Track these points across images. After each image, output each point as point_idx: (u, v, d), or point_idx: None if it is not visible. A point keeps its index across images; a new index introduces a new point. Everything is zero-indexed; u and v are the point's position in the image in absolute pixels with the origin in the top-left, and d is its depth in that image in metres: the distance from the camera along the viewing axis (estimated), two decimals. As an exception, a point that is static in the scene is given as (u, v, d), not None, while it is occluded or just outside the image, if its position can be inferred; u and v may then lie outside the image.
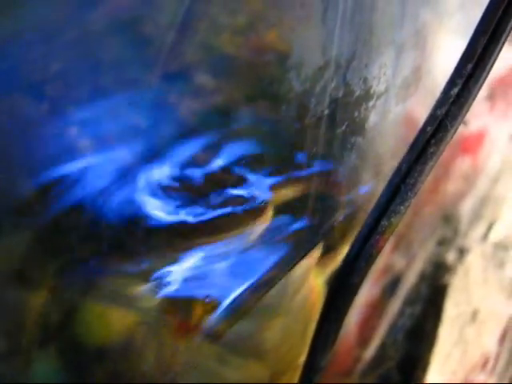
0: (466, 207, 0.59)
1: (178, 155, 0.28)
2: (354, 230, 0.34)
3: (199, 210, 0.29)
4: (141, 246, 0.28)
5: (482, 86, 0.29)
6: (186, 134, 0.28)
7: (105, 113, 0.26)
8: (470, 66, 0.28)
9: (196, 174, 0.29)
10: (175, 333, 0.31)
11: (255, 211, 0.30)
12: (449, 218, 0.58)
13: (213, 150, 0.29)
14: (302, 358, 0.37)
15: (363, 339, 0.53)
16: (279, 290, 0.33)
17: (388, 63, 0.31)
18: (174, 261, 0.30)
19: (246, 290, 0.31)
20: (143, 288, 0.30)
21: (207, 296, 0.31)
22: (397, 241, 0.50)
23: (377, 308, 0.53)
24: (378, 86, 0.31)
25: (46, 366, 0.28)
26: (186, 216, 0.29)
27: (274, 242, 0.31)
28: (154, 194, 0.28)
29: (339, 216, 0.33)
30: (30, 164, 0.24)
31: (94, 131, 0.26)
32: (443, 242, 0.57)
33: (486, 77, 0.29)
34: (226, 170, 0.29)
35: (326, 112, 0.28)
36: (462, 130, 0.49)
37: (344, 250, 0.34)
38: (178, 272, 0.31)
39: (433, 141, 0.30)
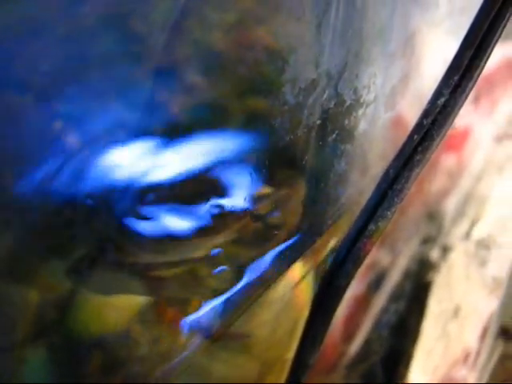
0: (450, 205, 0.60)
1: (167, 153, 0.28)
2: (340, 228, 0.35)
3: (186, 213, 0.29)
4: (131, 245, 0.28)
5: (467, 96, 0.30)
6: (175, 131, 0.28)
7: (94, 109, 0.25)
8: (456, 78, 0.29)
9: (183, 174, 0.29)
10: (170, 327, 0.31)
11: (241, 215, 0.30)
12: (433, 216, 0.59)
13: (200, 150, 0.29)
14: (290, 353, 0.37)
15: (348, 334, 0.53)
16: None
17: (377, 73, 0.31)
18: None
19: (242, 289, 0.31)
20: (138, 283, 0.30)
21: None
22: (382, 238, 0.51)
23: (362, 304, 0.54)
24: (367, 95, 0.31)
25: (39, 362, 0.28)
26: (173, 219, 0.29)
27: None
28: (142, 194, 0.28)
29: (330, 219, 0.33)
30: (17, 160, 0.24)
31: (83, 127, 0.25)
32: (427, 240, 0.58)
33: (472, 87, 0.30)
34: (212, 171, 0.29)
35: (318, 122, 0.28)
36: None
37: (328, 246, 0.35)
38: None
39: (419, 149, 0.30)
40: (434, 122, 0.30)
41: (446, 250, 0.58)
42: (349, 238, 0.33)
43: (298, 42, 0.26)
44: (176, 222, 0.29)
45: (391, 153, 0.35)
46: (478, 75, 0.29)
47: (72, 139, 0.25)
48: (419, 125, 0.30)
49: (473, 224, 0.60)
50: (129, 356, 0.30)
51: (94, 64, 0.25)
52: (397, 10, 0.32)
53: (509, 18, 0.29)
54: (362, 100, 0.31)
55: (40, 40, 0.24)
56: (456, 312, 0.59)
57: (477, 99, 0.61)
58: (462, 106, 0.30)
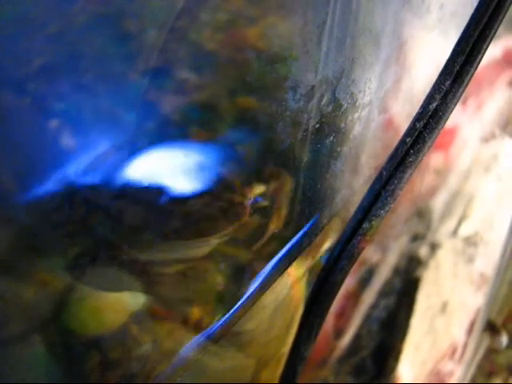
0: (438, 203, 0.61)
1: (160, 151, 0.28)
2: (334, 227, 0.36)
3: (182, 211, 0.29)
4: (129, 243, 0.28)
5: (458, 100, 0.31)
6: (167, 129, 0.28)
7: (87, 108, 0.25)
8: (448, 83, 0.30)
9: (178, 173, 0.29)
10: (170, 328, 0.32)
11: (235, 214, 0.31)
12: (422, 214, 0.60)
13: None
14: (286, 348, 0.38)
15: (339, 330, 0.54)
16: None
17: (372, 78, 0.32)
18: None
19: (242, 291, 0.32)
20: (133, 282, 0.31)
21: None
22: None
23: (353, 300, 0.55)
24: (362, 99, 0.32)
25: (37, 359, 0.28)
26: (171, 217, 0.29)
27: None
28: (137, 191, 0.28)
29: (325, 218, 0.34)
30: (12, 158, 0.24)
31: (76, 126, 0.25)
32: (416, 237, 0.59)
33: (463, 92, 0.31)
34: (207, 170, 0.29)
35: (317, 126, 0.29)
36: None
37: (323, 244, 0.36)
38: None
39: (411, 151, 0.32)
40: (425, 126, 0.31)
41: (434, 247, 0.59)
42: (344, 236, 0.34)
43: (301, 51, 0.27)
44: (172, 220, 0.29)
45: (382, 153, 0.36)
46: (469, 81, 0.31)
47: (66, 138, 0.26)
48: (412, 128, 0.31)
49: (460, 222, 0.61)
50: (128, 355, 0.30)
51: (87, 63, 0.26)
52: (390, 18, 0.33)
53: (498, 26, 0.30)
54: (357, 104, 0.32)
55: (33, 39, 0.24)
56: (444, 307, 0.60)
57: (464, 100, 0.61)
58: (452, 110, 0.31)
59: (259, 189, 0.31)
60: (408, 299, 0.58)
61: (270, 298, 0.35)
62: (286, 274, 0.34)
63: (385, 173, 0.32)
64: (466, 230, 0.61)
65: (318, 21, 0.27)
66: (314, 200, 0.33)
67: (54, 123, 0.26)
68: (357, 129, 0.33)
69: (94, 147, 0.26)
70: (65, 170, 0.26)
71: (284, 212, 0.32)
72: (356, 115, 0.32)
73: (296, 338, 0.37)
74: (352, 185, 0.36)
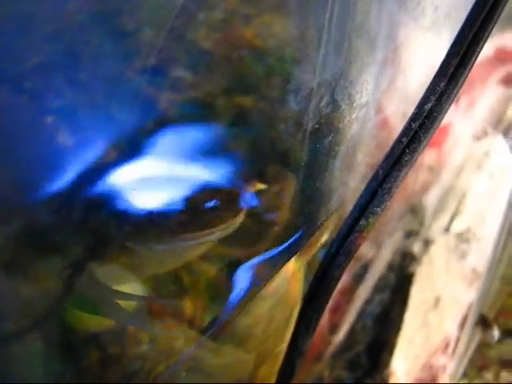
0: (431, 200, 0.61)
1: (157, 149, 0.29)
2: (331, 225, 0.36)
3: (182, 205, 0.30)
4: (127, 240, 0.29)
5: (453, 101, 0.32)
6: (164, 127, 0.28)
7: (84, 105, 0.26)
8: (442, 84, 0.31)
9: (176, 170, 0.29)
10: (168, 326, 0.32)
11: (237, 204, 0.31)
12: (415, 210, 0.60)
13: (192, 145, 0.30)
14: (284, 344, 0.38)
15: (334, 325, 0.54)
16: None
17: (369, 79, 0.33)
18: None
19: (238, 288, 0.33)
20: (132, 281, 0.31)
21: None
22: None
23: (347, 295, 0.55)
24: (360, 100, 0.33)
25: (36, 356, 0.28)
26: (169, 212, 0.29)
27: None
28: (134, 188, 0.28)
29: (323, 216, 0.35)
30: (9, 156, 0.25)
31: (73, 123, 0.26)
32: (410, 234, 0.59)
33: (457, 93, 0.32)
34: (207, 166, 0.30)
35: (316, 126, 0.30)
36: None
37: (320, 241, 0.37)
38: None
39: (407, 150, 0.32)
40: (421, 126, 0.32)
41: (427, 243, 0.60)
42: (341, 233, 0.34)
43: (302, 54, 0.27)
44: (170, 218, 0.30)
45: (377, 152, 0.37)
46: (463, 82, 0.31)
47: (64, 135, 0.26)
48: (407, 128, 0.32)
49: (453, 218, 0.62)
50: (127, 352, 0.30)
51: (84, 61, 0.26)
52: (385, 20, 0.34)
53: (492, 28, 0.31)
54: (355, 104, 0.33)
55: (30, 37, 0.25)
56: (437, 302, 0.60)
57: (457, 98, 0.61)
58: (447, 110, 0.32)
59: (260, 186, 0.32)
60: (402, 294, 0.58)
61: (267, 294, 0.36)
62: (283, 270, 0.35)
63: (381, 171, 0.33)
64: (458, 226, 0.62)
65: (316, 23, 0.28)
66: (312, 198, 0.34)
67: (51, 121, 0.26)
68: (354, 128, 0.34)
69: (92, 144, 0.27)
70: (63, 167, 0.26)
71: (286, 212, 0.33)
72: (353, 115, 0.33)
73: (294, 332, 0.37)
74: (348, 183, 0.37)
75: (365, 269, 0.56)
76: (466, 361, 0.65)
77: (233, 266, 0.33)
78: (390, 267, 0.58)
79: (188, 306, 0.32)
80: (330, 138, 0.32)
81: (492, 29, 0.31)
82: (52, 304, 0.29)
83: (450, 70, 0.31)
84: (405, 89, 0.38)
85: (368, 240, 0.53)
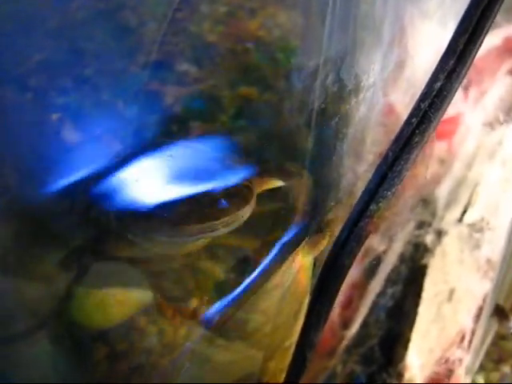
0: (443, 191, 0.61)
1: (163, 142, 0.29)
2: (339, 212, 0.36)
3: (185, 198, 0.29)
4: (131, 232, 0.29)
5: (462, 80, 0.31)
6: (170, 121, 0.29)
7: (89, 101, 0.26)
8: (451, 62, 0.30)
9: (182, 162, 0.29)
10: (172, 320, 0.32)
11: (240, 200, 0.30)
12: (427, 202, 0.60)
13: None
14: (292, 338, 0.38)
15: (346, 320, 0.54)
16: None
17: (376, 60, 0.32)
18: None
19: (244, 280, 0.32)
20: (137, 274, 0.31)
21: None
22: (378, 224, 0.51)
23: (359, 289, 0.55)
24: (367, 81, 0.32)
25: (44, 354, 0.29)
26: (174, 203, 0.29)
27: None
28: (140, 181, 0.28)
29: (331, 201, 0.34)
30: (15, 152, 0.25)
31: (79, 120, 0.26)
32: (422, 225, 0.59)
33: (467, 72, 0.31)
34: (212, 158, 0.30)
35: (322, 106, 0.29)
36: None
37: (331, 231, 0.36)
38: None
39: (417, 131, 0.32)
40: (430, 105, 0.31)
41: (440, 235, 0.59)
42: (351, 219, 0.34)
43: (306, 32, 0.27)
44: (177, 210, 0.29)
45: (383, 137, 0.36)
46: (472, 60, 0.31)
47: (68, 132, 0.26)
48: (417, 108, 0.31)
49: (466, 208, 0.61)
50: (134, 347, 0.30)
51: (88, 57, 0.26)
52: (389, 2, 0.33)
53: (501, 4, 0.30)
54: (362, 85, 0.32)
55: (33, 35, 0.24)
56: (451, 294, 0.59)
57: (466, 88, 0.61)
58: (457, 89, 0.31)
59: (273, 183, 0.31)
60: (415, 287, 0.58)
61: (274, 287, 0.35)
62: (290, 262, 0.34)
63: (391, 154, 0.32)
64: (471, 216, 0.61)
65: (321, 10, 0.27)
66: (319, 183, 0.33)
67: (56, 118, 0.26)
68: (362, 110, 0.33)
69: (96, 140, 0.27)
70: (67, 163, 0.26)
71: (301, 207, 0.32)
72: (360, 96, 0.32)
73: (305, 324, 0.36)
74: (355, 169, 0.36)
75: (377, 262, 0.55)
76: (482, 353, 0.64)
77: (238, 257, 0.32)
78: (403, 259, 0.57)
79: (194, 300, 0.32)
80: (337, 119, 0.31)
81: (501, 4, 0.30)
82: (59, 301, 0.29)
83: (458, 48, 0.30)
84: (412, 71, 0.37)
85: (380, 233, 0.53)
